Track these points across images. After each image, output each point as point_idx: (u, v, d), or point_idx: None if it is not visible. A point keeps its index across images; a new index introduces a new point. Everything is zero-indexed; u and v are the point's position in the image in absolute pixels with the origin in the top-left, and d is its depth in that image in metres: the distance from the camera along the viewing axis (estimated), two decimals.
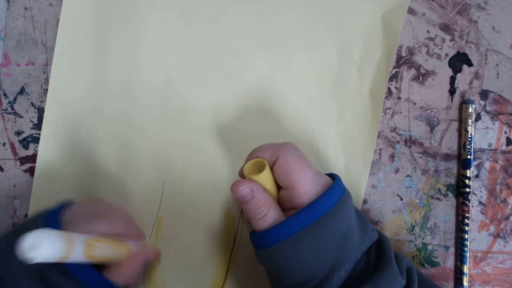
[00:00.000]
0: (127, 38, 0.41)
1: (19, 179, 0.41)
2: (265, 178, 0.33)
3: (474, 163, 0.43)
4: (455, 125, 0.43)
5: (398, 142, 0.43)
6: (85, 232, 0.32)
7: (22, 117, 0.41)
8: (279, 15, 0.42)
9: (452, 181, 0.43)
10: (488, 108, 0.43)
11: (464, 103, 0.43)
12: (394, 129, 0.43)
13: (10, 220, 0.41)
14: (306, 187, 0.32)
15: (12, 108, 0.41)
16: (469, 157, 0.42)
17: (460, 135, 0.43)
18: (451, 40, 0.43)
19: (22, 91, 0.41)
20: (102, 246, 0.31)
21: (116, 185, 0.41)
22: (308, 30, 0.42)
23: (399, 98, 0.43)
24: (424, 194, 0.43)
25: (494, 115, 0.43)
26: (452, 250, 0.44)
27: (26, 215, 0.41)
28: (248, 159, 0.35)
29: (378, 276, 0.32)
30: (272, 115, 0.42)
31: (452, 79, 0.43)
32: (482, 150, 0.43)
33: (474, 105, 0.42)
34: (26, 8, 0.40)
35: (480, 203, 0.43)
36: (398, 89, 0.43)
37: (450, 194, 0.43)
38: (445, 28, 0.43)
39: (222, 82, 0.42)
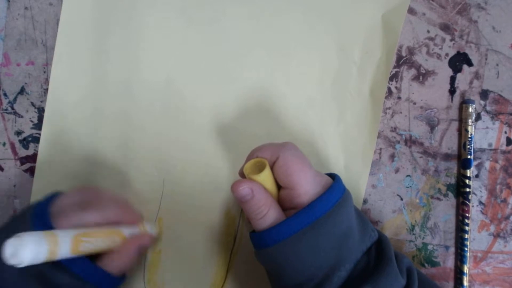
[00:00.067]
0: (127, 38, 0.41)
1: (19, 179, 0.41)
2: (265, 178, 0.33)
3: (474, 163, 0.43)
4: (455, 125, 0.43)
5: (398, 142, 0.43)
6: (76, 224, 0.32)
7: (22, 117, 0.41)
8: (279, 15, 0.42)
9: (452, 181, 0.43)
10: (488, 108, 0.43)
11: (464, 103, 0.43)
12: (394, 129, 0.43)
13: None
14: (306, 187, 0.32)
15: (12, 108, 0.41)
16: (469, 157, 0.42)
17: (460, 135, 0.43)
18: (451, 40, 0.43)
19: (22, 91, 0.41)
20: (91, 240, 0.31)
21: (116, 185, 0.41)
22: (308, 30, 0.42)
23: (399, 98, 0.43)
24: (424, 194, 0.43)
25: (494, 115, 0.43)
26: (452, 250, 0.44)
27: None
28: (248, 159, 0.35)
29: (378, 276, 0.32)
30: (272, 115, 0.42)
31: (452, 79, 0.43)
32: (482, 150, 0.43)
33: (474, 105, 0.42)
34: (26, 8, 0.40)
35: (480, 203, 0.43)
36: (398, 89, 0.43)
37: (450, 194, 0.43)
38: (445, 28, 0.43)
39: (222, 82, 0.42)
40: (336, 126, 0.43)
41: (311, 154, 0.42)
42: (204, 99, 0.42)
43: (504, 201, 0.43)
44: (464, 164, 0.42)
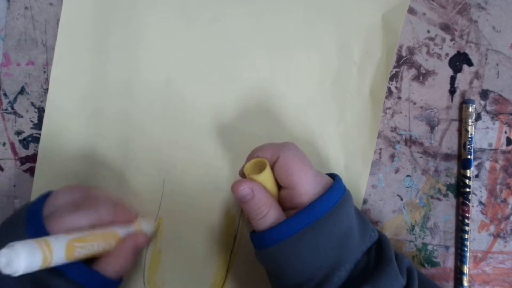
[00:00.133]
0: (127, 38, 0.41)
1: (19, 179, 0.41)
2: (266, 177, 0.33)
3: (474, 163, 0.43)
4: (455, 125, 0.43)
5: (398, 142, 0.43)
6: (70, 225, 0.32)
7: (22, 117, 0.41)
8: (279, 15, 0.42)
9: (452, 181, 0.43)
10: (488, 108, 0.43)
11: (464, 103, 0.43)
12: (394, 129, 0.43)
13: None
14: (306, 187, 0.32)
15: (12, 108, 0.41)
16: (469, 157, 0.42)
17: (460, 135, 0.43)
18: (451, 40, 0.43)
19: (22, 91, 0.41)
20: (85, 245, 0.30)
21: (116, 185, 0.41)
22: (308, 30, 0.42)
23: (399, 98, 0.43)
24: (424, 194, 0.43)
25: (494, 115, 0.43)
26: (452, 250, 0.44)
27: None
28: (248, 159, 0.35)
29: (378, 276, 0.32)
30: (272, 115, 0.42)
31: (452, 79, 0.43)
32: (482, 150, 0.43)
33: (474, 105, 0.42)
34: (26, 8, 0.40)
35: (480, 203, 0.43)
36: (398, 89, 0.43)
37: (450, 194, 0.43)
38: (445, 28, 0.43)
39: (222, 82, 0.42)
40: (336, 126, 0.43)
41: (311, 154, 0.42)
42: (204, 99, 0.42)
43: (504, 201, 0.43)
44: (464, 164, 0.42)
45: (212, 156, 0.42)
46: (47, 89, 0.40)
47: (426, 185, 0.43)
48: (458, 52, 0.43)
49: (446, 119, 0.43)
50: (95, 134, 0.41)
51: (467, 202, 0.42)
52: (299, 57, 0.42)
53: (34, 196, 0.41)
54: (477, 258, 0.44)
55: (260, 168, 0.33)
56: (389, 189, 0.43)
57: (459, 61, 0.43)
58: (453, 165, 0.43)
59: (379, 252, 0.34)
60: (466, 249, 0.42)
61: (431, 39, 0.43)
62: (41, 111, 0.41)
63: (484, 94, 0.43)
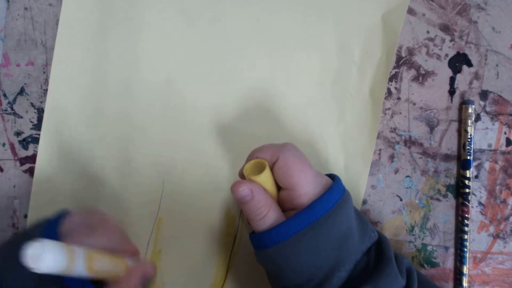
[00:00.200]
0: (127, 38, 0.41)
1: (19, 179, 0.41)
2: (265, 178, 0.33)
3: (473, 164, 0.43)
4: (454, 125, 0.43)
5: (398, 143, 0.43)
6: (84, 245, 0.31)
7: (21, 117, 0.41)
8: (279, 15, 0.42)
9: (452, 181, 0.43)
10: (488, 109, 0.43)
11: (464, 103, 0.43)
12: (393, 130, 0.43)
13: (10, 220, 0.41)
14: (306, 188, 0.32)
15: (12, 109, 0.41)
16: (468, 157, 0.42)
17: (459, 135, 0.43)
18: (451, 41, 0.43)
19: (22, 91, 0.41)
20: (101, 259, 0.30)
21: (116, 185, 0.41)
22: (308, 30, 0.42)
23: (398, 98, 0.43)
24: (424, 194, 0.43)
25: (494, 116, 0.43)
26: (451, 250, 0.44)
27: (26, 216, 0.41)
28: (248, 160, 0.35)
29: (378, 277, 0.32)
30: (272, 115, 0.42)
31: (452, 80, 0.43)
32: (481, 151, 0.43)
33: (473, 106, 0.42)
34: (26, 8, 0.40)
35: (480, 203, 0.44)
36: (398, 90, 0.43)
37: (450, 195, 0.43)
38: (445, 28, 0.43)
39: (222, 82, 0.42)
40: (336, 126, 0.43)
41: (311, 155, 0.42)
42: (204, 99, 0.42)
43: (504, 201, 0.43)
44: (464, 164, 0.43)
45: (212, 156, 0.42)
46: (46, 90, 0.40)
47: (425, 186, 0.43)
48: (458, 53, 0.43)
49: (446, 119, 0.43)
50: (95, 134, 0.41)
51: (466, 202, 0.42)
52: (299, 57, 0.42)
53: (34, 197, 0.41)
54: (477, 259, 0.44)
55: (259, 169, 0.33)
56: (389, 190, 0.43)
57: (458, 61, 0.43)
58: (453, 166, 0.43)
59: (379, 253, 0.34)
60: (465, 249, 0.42)
61: (431, 39, 0.43)
62: (40, 111, 0.41)
63: (483, 94, 0.43)
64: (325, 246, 0.32)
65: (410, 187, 0.43)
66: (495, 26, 0.43)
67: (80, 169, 0.41)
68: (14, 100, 0.41)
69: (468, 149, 0.42)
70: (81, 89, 0.41)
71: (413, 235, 0.43)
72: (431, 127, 0.43)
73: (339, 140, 0.43)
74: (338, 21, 0.42)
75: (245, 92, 0.42)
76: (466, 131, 0.42)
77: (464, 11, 0.43)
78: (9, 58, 0.40)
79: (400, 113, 0.43)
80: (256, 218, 0.32)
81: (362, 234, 0.34)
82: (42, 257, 0.25)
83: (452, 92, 0.43)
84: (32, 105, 0.41)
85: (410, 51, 0.43)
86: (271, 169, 0.33)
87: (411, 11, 0.42)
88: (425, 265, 0.44)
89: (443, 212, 0.43)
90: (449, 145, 0.43)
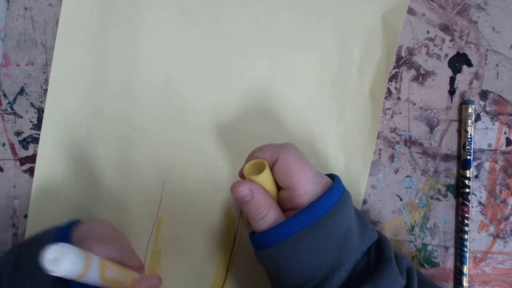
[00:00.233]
0: (127, 38, 0.41)
1: (19, 179, 0.41)
2: (265, 178, 0.33)
3: (473, 164, 0.43)
4: (454, 125, 0.43)
5: (398, 143, 0.43)
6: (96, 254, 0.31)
7: (21, 117, 0.41)
8: (279, 15, 0.42)
9: (452, 181, 0.43)
10: (487, 109, 0.43)
11: (464, 103, 0.43)
12: (393, 130, 0.43)
13: (10, 220, 0.41)
14: (306, 188, 0.32)
15: (12, 109, 0.41)
16: (468, 157, 0.42)
17: (459, 135, 0.43)
18: (451, 41, 0.43)
19: (21, 91, 0.41)
20: (112, 269, 0.30)
21: (116, 185, 0.41)
22: (308, 30, 0.42)
23: (398, 98, 0.43)
24: (424, 194, 0.43)
25: (494, 116, 0.43)
26: (451, 250, 0.44)
27: (26, 215, 0.41)
28: (248, 160, 0.35)
29: (378, 276, 0.32)
30: (272, 115, 0.42)
31: (452, 80, 0.43)
32: (481, 151, 0.43)
33: (473, 106, 0.42)
34: (26, 9, 0.40)
35: (480, 203, 0.44)
36: (398, 90, 0.43)
37: (450, 195, 0.43)
38: (445, 28, 0.43)
39: (222, 82, 0.42)
40: (336, 126, 0.43)
41: (311, 155, 0.42)
42: (204, 99, 0.42)
43: (504, 201, 0.43)
44: (464, 164, 0.43)
45: (212, 156, 0.42)
46: (46, 90, 0.40)
47: (425, 186, 0.43)
48: (458, 53, 0.43)
49: (446, 119, 0.43)
50: (95, 134, 0.41)
51: (466, 202, 0.42)
52: (299, 57, 0.42)
53: (34, 197, 0.41)
54: (477, 259, 0.44)
55: (259, 169, 0.33)
56: (389, 190, 0.43)
57: (458, 61, 0.43)
58: (453, 166, 0.43)
59: (379, 253, 0.34)
60: (465, 249, 0.42)
61: (431, 39, 0.43)
62: (40, 111, 0.41)
63: (483, 94, 0.43)
64: (325, 246, 0.32)
65: (410, 187, 0.43)
66: (495, 26, 0.43)
67: (80, 169, 0.41)
68: (14, 100, 0.41)
69: (468, 149, 0.42)
70: (81, 89, 0.41)
71: (413, 235, 0.43)
72: (431, 127, 0.43)
73: (339, 140, 0.43)
74: (338, 21, 0.42)
75: (245, 92, 0.42)
76: (466, 131, 0.42)
77: (464, 11, 0.43)
78: (9, 58, 0.40)
79: (400, 113, 0.43)
80: (256, 218, 0.32)
81: (362, 234, 0.34)
82: (61, 260, 0.25)
83: (452, 92, 0.43)
84: (32, 105, 0.41)
85: (410, 51, 0.43)
86: (271, 169, 0.33)
87: (411, 11, 0.42)
88: (425, 265, 0.44)
89: (443, 212, 0.43)
90: (449, 145, 0.43)
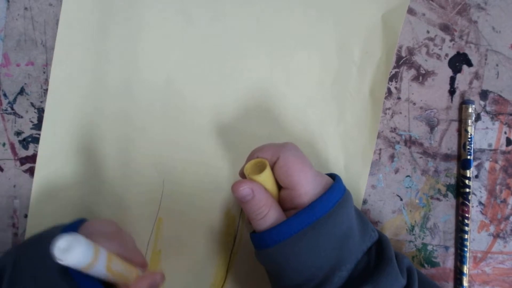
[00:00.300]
0: (127, 38, 0.41)
1: (19, 179, 0.41)
2: (266, 178, 0.33)
3: (474, 163, 0.43)
4: (455, 125, 0.43)
5: (398, 143, 0.43)
6: None
7: (22, 117, 0.41)
8: (279, 15, 0.42)
9: (452, 181, 0.43)
10: (488, 109, 0.43)
11: (464, 103, 0.43)
12: (394, 130, 0.43)
13: (10, 220, 0.41)
14: (306, 187, 0.32)
15: (12, 109, 0.41)
16: (469, 157, 0.42)
17: (460, 135, 0.43)
18: (451, 40, 0.43)
19: (22, 91, 0.41)
20: (118, 263, 0.31)
21: (116, 185, 0.41)
22: (308, 30, 0.42)
23: (399, 98, 0.43)
24: (424, 194, 0.43)
25: (494, 115, 0.43)
26: (452, 250, 0.44)
27: (26, 215, 0.41)
28: (248, 159, 0.35)
29: (378, 276, 0.32)
30: (272, 115, 0.42)
31: (452, 79, 0.43)
32: (482, 151, 0.43)
33: (474, 105, 0.42)
34: (26, 8, 0.40)
35: (480, 203, 0.44)
36: (398, 89, 0.43)
37: (450, 195, 0.43)
38: (445, 28, 0.43)
39: (222, 82, 0.42)
40: (336, 126, 0.43)
41: (311, 154, 0.42)
42: (204, 99, 0.42)
43: (504, 201, 0.43)
44: (464, 164, 0.43)
45: (212, 156, 0.42)
46: (46, 90, 0.40)
47: (425, 186, 0.43)
48: (458, 53, 0.43)
49: (446, 119, 0.43)
50: (95, 134, 0.41)
51: (466, 202, 0.42)
52: (299, 57, 0.42)
53: (34, 197, 0.41)
54: (477, 258, 0.44)
55: (260, 169, 0.33)
56: (389, 190, 0.43)
57: (458, 61, 0.43)
58: (453, 166, 0.43)
59: (379, 252, 0.34)
60: (466, 249, 0.42)
61: (431, 39, 0.43)
62: (40, 111, 0.41)
63: (483, 94, 0.43)
64: (325, 246, 0.32)
65: (410, 186, 0.43)
66: (495, 26, 0.43)
67: (80, 169, 0.41)
68: (14, 100, 0.41)
69: (468, 148, 0.42)
70: (81, 89, 0.41)
71: (413, 234, 0.43)
72: (431, 127, 0.43)
73: (339, 140, 0.43)
74: (338, 21, 0.42)
75: (245, 92, 0.42)
76: (466, 131, 0.42)
77: (464, 11, 0.43)
78: (9, 58, 0.40)
79: (400, 113, 0.43)
80: (257, 218, 0.32)
81: (362, 233, 0.34)
82: (72, 249, 0.25)
83: (452, 92, 0.43)
84: (32, 105, 0.41)
85: (410, 51, 0.43)
86: (272, 168, 0.33)
87: (411, 11, 0.42)
88: (425, 265, 0.44)
89: (443, 211, 0.43)
90: (449, 144, 0.43)
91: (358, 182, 0.43)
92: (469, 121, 0.42)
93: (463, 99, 0.43)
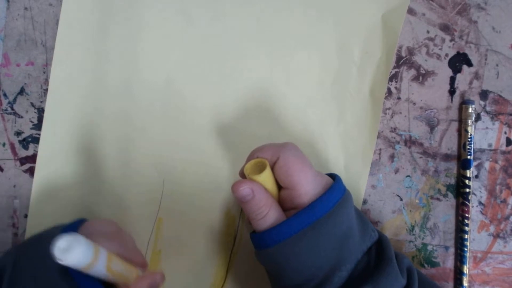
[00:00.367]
0: (127, 38, 0.41)
1: (19, 179, 0.41)
2: (266, 178, 0.33)
3: (474, 163, 0.43)
4: (455, 125, 0.43)
5: (398, 143, 0.43)
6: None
7: (22, 117, 0.41)
8: (279, 15, 0.42)
9: (452, 181, 0.43)
10: (488, 108, 0.43)
11: (464, 103, 0.43)
12: (394, 129, 0.43)
13: (10, 220, 0.41)
14: (306, 187, 0.32)
15: (12, 108, 0.41)
16: (469, 157, 0.42)
17: (460, 135, 0.43)
18: (451, 40, 0.43)
19: (22, 91, 0.41)
20: (118, 263, 0.31)
21: (116, 185, 0.41)
22: (308, 30, 0.42)
23: (399, 98, 0.43)
24: (424, 194, 0.43)
25: (494, 115, 0.43)
26: (452, 250, 0.44)
27: (26, 215, 0.41)
28: (248, 159, 0.35)
29: (378, 276, 0.32)
30: (272, 115, 0.42)
31: (452, 79, 0.43)
32: (482, 151, 0.43)
33: (474, 105, 0.42)
34: (26, 8, 0.40)
35: (480, 203, 0.44)
36: (398, 89, 0.43)
37: (450, 194, 0.43)
38: (445, 28, 0.43)
39: (222, 82, 0.42)
40: (336, 126, 0.43)
41: (311, 154, 0.42)
42: (204, 99, 0.42)
43: (504, 201, 0.43)
44: (464, 164, 0.43)
45: (212, 156, 0.42)
46: (46, 90, 0.40)
47: (425, 186, 0.43)
48: (458, 53, 0.43)
49: (446, 119, 0.43)
50: (95, 134, 0.41)
51: (466, 202, 0.42)
52: (299, 57, 0.42)
53: (34, 196, 0.41)
54: (477, 258, 0.44)
55: (260, 169, 0.33)
56: (389, 190, 0.43)
57: (458, 61, 0.43)
58: (453, 166, 0.43)
59: (379, 252, 0.34)
60: (466, 249, 0.42)
61: (431, 39, 0.43)
62: (40, 111, 0.41)
63: (483, 94, 0.43)
64: (325, 246, 0.32)
65: (410, 186, 0.43)
66: (495, 26, 0.43)
67: (80, 169, 0.41)
68: (14, 100, 0.41)
69: (468, 148, 0.42)
70: (81, 89, 0.41)
71: (413, 234, 0.43)
72: (431, 127, 0.43)
73: (339, 140, 0.43)
74: (338, 21, 0.42)
75: (245, 92, 0.42)
76: (466, 131, 0.42)
77: (464, 11, 0.43)
78: (9, 58, 0.40)
79: (400, 113, 0.43)
80: (257, 218, 0.32)
81: (362, 233, 0.34)
82: (72, 249, 0.25)
83: (452, 92, 0.43)
84: (32, 105, 0.41)
85: (410, 51, 0.43)
86: (272, 168, 0.33)
87: (411, 11, 0.42)
88: (425, 265, 0.44)
89: (443, 211, 0.43)
90: (449, 144, 0.43)
91: (358, 182, 0.43)
92: (469, 121, 0.42)
93: (463, 99, 0.43)
